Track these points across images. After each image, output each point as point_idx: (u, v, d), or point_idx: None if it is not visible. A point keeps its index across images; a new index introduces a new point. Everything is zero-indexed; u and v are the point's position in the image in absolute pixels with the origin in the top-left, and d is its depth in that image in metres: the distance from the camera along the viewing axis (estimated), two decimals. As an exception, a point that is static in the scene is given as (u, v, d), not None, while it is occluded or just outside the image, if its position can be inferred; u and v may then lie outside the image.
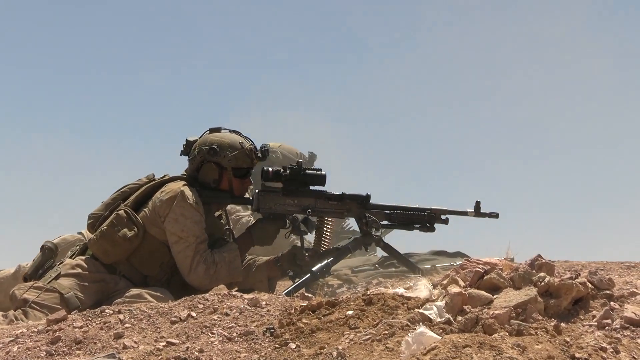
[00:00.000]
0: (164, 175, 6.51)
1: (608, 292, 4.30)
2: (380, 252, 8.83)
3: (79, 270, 6.15)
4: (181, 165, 6.67)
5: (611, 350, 3.66)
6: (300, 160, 6.55)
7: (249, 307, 4.56)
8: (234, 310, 4.49)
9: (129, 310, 4.66)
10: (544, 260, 4.38)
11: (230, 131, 6.55)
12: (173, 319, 4.46)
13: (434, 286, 4.54)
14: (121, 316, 4.55)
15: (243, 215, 9.32)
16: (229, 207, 8.22)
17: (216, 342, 4.11)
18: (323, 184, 6.41)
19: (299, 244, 6.49)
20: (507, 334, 3.76)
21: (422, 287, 4.48)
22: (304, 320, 4.22)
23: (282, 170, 6.40)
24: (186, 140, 6.52)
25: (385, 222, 6.54)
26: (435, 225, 6.56)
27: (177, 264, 6.21)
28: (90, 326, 4.45)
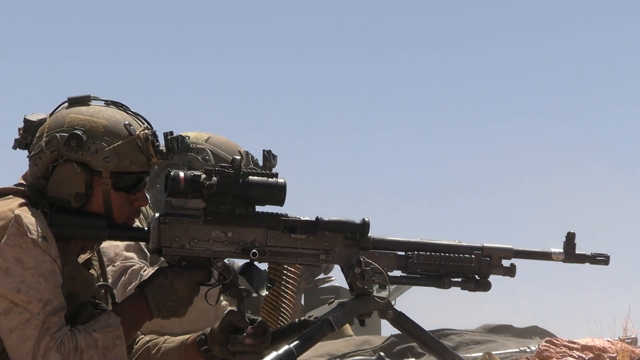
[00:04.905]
0: (-18, 187, 5.00)
1: None
2: (387, 327, 7.25)
3: None
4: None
5: None
6: (238, 158, 4.90)
7: None
8: None
9: None
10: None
11: (108, 104, 4.84)
12: None
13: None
14: None
15: (135, 262, 6.90)
16: (104, 245, 6.12)
17: None
18: (281, 202, 4.88)
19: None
20: None
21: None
22: None
23: (203, 176, 4.79)
24: (24, 119, 4.82)
25: (397, 273, 5.09)
26: (491, 277, 5.13)
27: (10, 353, 4.68)
28: None
